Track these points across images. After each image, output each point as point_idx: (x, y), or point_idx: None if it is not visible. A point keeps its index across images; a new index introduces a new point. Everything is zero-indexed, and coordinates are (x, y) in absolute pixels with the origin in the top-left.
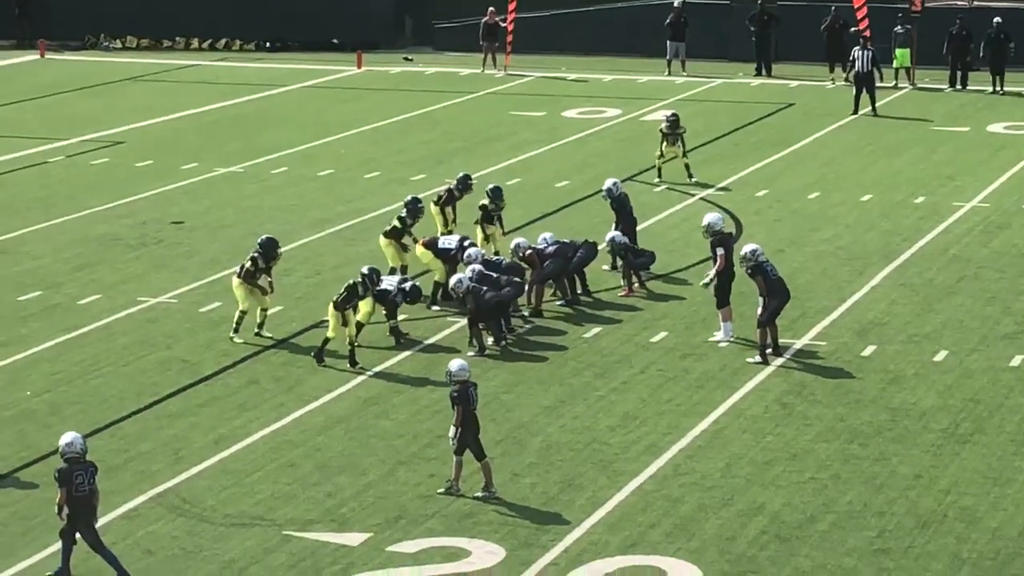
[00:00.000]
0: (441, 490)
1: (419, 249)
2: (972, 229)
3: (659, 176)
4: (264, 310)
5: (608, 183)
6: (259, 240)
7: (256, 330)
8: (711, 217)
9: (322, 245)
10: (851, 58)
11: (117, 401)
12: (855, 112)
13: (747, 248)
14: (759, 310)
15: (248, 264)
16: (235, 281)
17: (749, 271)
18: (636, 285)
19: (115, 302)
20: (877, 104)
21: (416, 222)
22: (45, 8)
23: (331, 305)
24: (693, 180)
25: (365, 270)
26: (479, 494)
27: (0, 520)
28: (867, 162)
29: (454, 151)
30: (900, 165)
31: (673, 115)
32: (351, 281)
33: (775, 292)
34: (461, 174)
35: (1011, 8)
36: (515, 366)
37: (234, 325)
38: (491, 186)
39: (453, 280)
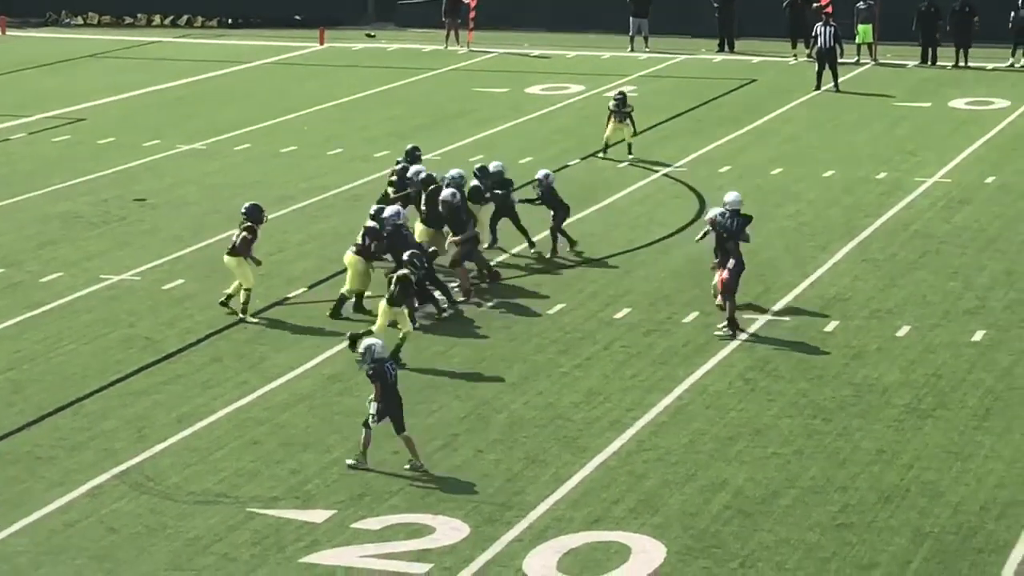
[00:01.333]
0: (351, 461)
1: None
2: (934, 204)
3: (605, 152)
4: (247, 289)
5: (539, 173)
6: (244, 208)
7: (223, 301)
8: (730, 196)
9: (286, 222)
10: (813, 34)
11: (80, 379)
12: (818, 88)
13: (716, 211)
14: (724, 275)
15: (245, 234)
16: (232, 260)
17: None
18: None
19: (77, 280)
20: (840, 80)
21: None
22: None
23: (385, 303)
24: (631, 158)
25: (406, 256)
26: (406, 467)
27: None
28: (829, 138)
29: (417, 127)
30: (862, 141)
31: (620, 93)
32: (398, 273)
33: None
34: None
35: None
36: (478, 343)
37: (242, 306)
38: (478, 167)
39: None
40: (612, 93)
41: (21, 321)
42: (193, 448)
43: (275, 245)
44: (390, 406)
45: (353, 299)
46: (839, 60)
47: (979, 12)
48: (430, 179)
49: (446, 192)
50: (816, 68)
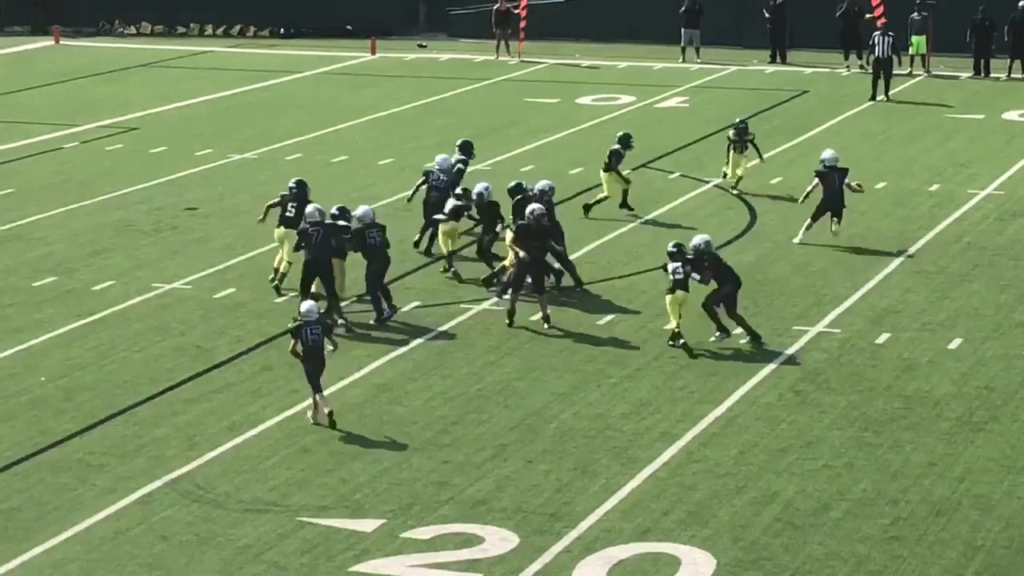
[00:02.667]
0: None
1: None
2: (987, 217)
3: (735, 186)
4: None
5: (479, 186)
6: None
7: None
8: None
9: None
10: (871, 43)
11: (131, 387)
12: (873, 98)
13: (698, 239)
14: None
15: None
16: (282, 231)
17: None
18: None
19: (129, 288)
20: (891, 91)
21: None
22: None
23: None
24: (736, 192)
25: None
26: (322, 422)
27: (14, 505)
28: (881, 149)
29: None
30: (914, 153)
31: (741, 123)
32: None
33: (725, 279)
34: (621, 133)
35: None
36: (528, 352)
37: (277, 281)
38: (621, 133)
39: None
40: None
41: (73, 329)
42: (244, 456)
43: None
44: (306, 364)
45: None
46: (894, 71)
47: None
48: (519, 188)
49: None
50: (872, 77)
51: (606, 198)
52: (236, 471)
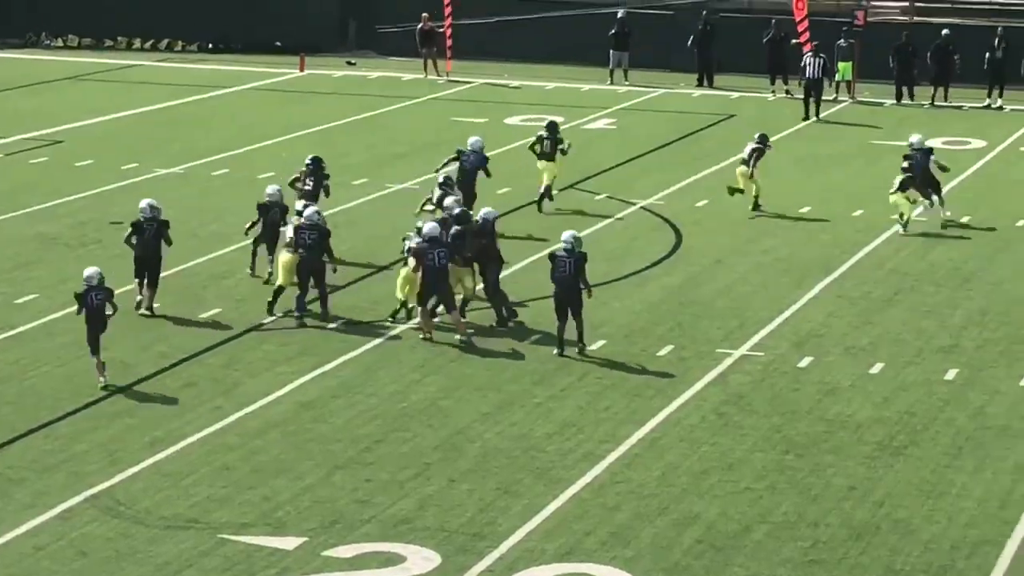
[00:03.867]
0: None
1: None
2: (910, 243)
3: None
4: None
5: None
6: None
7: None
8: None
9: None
10: (802, 64)
11: (53, 401)
12: (806, 117)
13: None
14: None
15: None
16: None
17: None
18: None
19: (53, 301)
20: (821, 114)
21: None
22: None
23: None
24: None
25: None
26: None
27: None
28: (807, 174)
29: (396, 156)
30: (839, 178)
31: (761, 136)
32: None
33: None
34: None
35: (953, 23)
36: (453, 372)
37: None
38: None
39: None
40: (753, 140)
41: None
42: (165, 473)
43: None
44: (92, 329)
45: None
46: (824, 93)
47: (959, 51)
48: (464, 217)
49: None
50: (803, 98)
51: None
52: (157, 487)
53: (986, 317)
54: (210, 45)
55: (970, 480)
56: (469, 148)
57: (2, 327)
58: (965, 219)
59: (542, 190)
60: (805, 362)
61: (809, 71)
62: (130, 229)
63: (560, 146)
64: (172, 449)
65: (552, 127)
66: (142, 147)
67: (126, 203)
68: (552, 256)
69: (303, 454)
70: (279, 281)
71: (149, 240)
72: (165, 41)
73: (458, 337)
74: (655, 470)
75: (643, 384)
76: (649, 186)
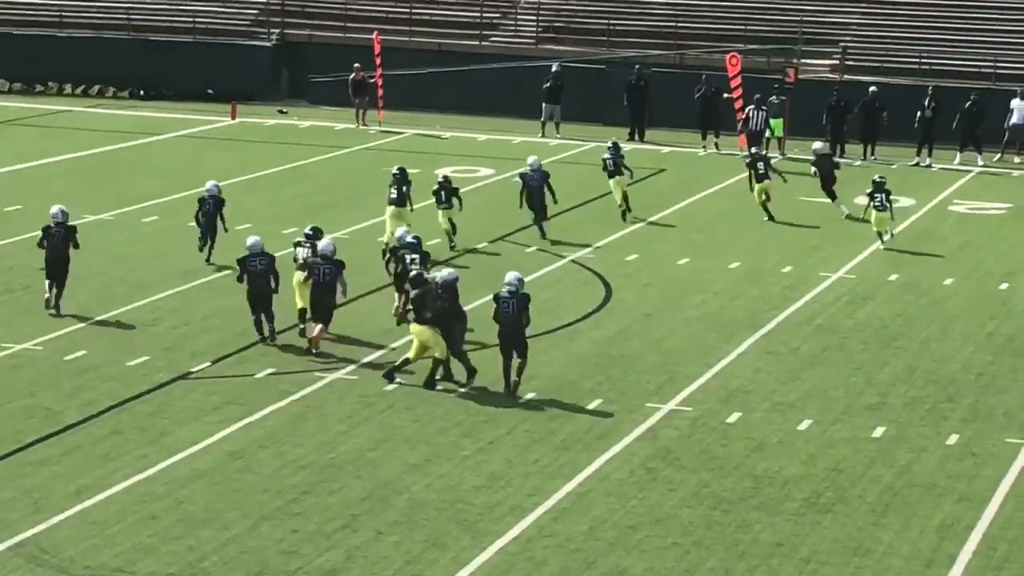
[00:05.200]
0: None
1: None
2: (838, 300)
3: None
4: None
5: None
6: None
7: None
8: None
9: (192, 295)
10: (746, 116)
11: None
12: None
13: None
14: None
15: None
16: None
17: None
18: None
19: None
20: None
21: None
22: None
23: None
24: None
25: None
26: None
27: None
28: (736, 230)
29: (327, 205)
30: (768, 234)
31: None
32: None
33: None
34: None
35: (882, 82)
36: (382, 423)
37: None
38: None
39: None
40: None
41: None
42: (91, 521)
43: (180, 319)
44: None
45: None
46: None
47: (887, 108)
48: (420, 279)
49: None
50: (748, 149)
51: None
52: (82, 536)
53: (913, 375)
54: (141, 92)
55: (896, 538)
56: (529, 168)
57: None
58: (893, 277)
59: (620, 203)
60: (733, 417)
61: (752, 123)
62: (40, 234)
63: (623, 162)
64: (98, 497)
65: (615, 147)
66: (72, 193)
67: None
68: (496, 297)
69: (230, 504)
70: (299, 304)
71: (58, 244)
72: (96, 87)
73: (314, 351)
74: (583, 524)
75: (571, 438)
76: (579, 238)
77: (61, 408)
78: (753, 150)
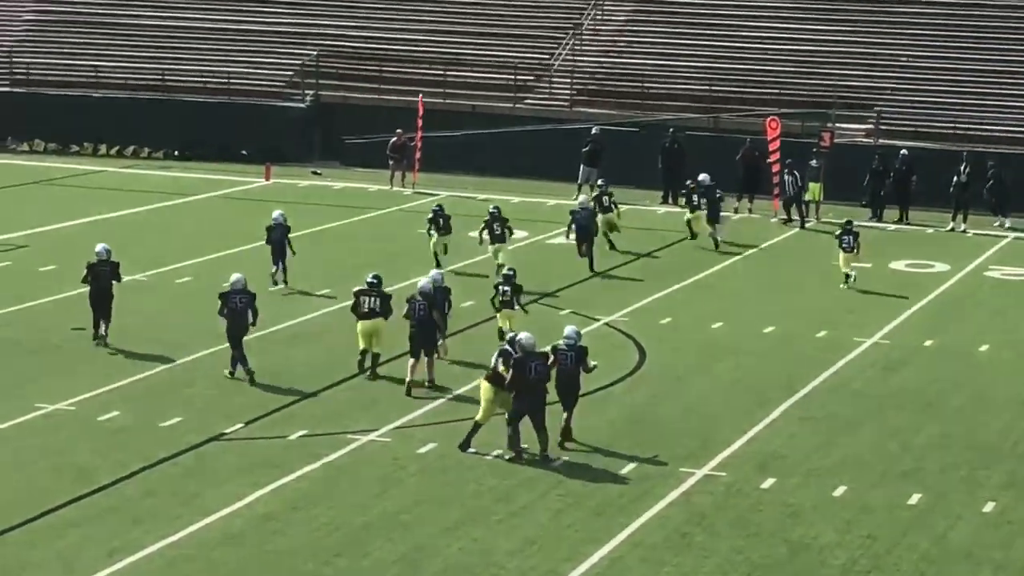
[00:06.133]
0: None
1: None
2: (873, 365)
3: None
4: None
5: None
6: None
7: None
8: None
9: (225, 356)
10: (779, 180)
11: (9, 508)
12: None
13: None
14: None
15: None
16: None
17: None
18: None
19: (12, 406)
20: (780, 238)
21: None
22: None
23: (484, 380)
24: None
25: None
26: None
27: None
28: (771, 294)
29: (361, 266)
30: (804, 298)
31: (848, 222)
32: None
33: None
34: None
35: (915, 146)
36: (415, 485)
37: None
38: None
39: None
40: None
41: None
42: None
43: (212, 380)
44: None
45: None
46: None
47: (916, 171)
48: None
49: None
50: (784, 215)
51: None
52: None
53: (949, 441)
54: (176, 152)
55: None
56: (580, 206)
57: None
58: (928, 343)
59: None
60: (768, 483)
61: (788, 187)
62: (85, 271)
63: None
64: (130, 559)
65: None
66: None
67: (88, 309)
68: (554, 349)
69: (263, 567)
70: (361, 345)
71: (103, 279)
72: (131, 148)
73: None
74: None
75: (605, 502)
76: (613, 302)
77: (93, 468)
78: (845, 222)
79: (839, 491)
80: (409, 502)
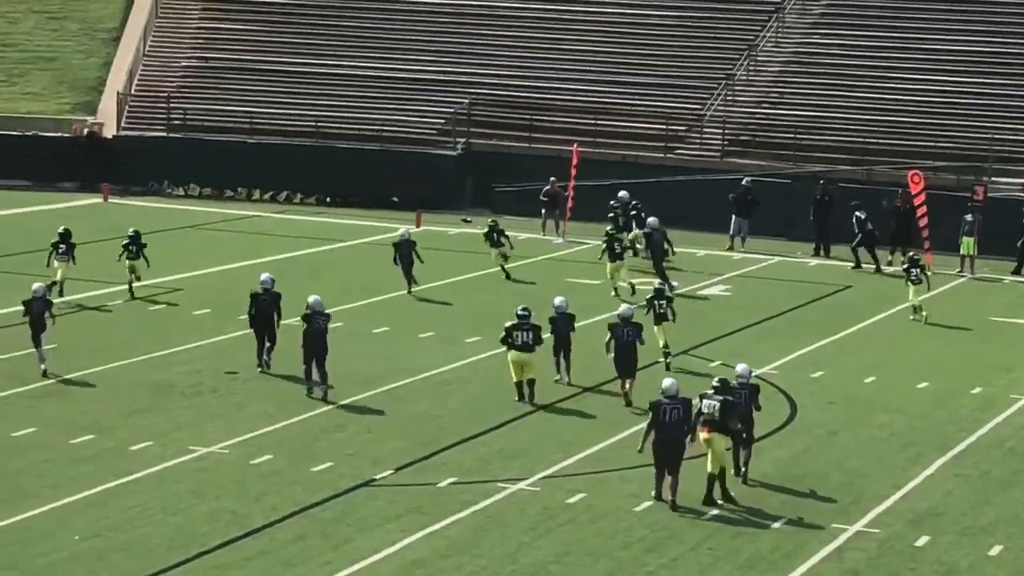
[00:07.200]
0: None
1: None
2: None
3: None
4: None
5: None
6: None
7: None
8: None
9: (376, 401)
10: (853, 220)
11: (164, 550)
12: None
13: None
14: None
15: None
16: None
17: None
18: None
19: (167, 449)
20: (940, 288)
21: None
22: (114, 154)
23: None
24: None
25: None
26: None
27: None
28: (924, 349)
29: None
30: (957, 354)
31: (916, 256)
32: None
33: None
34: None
35: None
36: (564, 535)
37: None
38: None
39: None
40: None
41: (108, 489)
42: None
43: (363, 425)
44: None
45: None
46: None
47: None
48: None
49: None
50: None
51: None
52: None
53: None
54: (328, 199)
55: None
56: (650, 227)
57: (117, 474)
58: None
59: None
60: (922, 541)
61: (857, 229)
62: (250, 301)
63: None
64: None
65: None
66: None
67: (241, 353)
68: (726, 386)
69: None
70: (515, 377)
71: (266, 308)
72: (284, 193)
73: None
74: None
75: (755, 556)
76: (764, 355)
77: (246, 512)
78: (910, 256)
79: (995, 550)
80: (559, 552)
